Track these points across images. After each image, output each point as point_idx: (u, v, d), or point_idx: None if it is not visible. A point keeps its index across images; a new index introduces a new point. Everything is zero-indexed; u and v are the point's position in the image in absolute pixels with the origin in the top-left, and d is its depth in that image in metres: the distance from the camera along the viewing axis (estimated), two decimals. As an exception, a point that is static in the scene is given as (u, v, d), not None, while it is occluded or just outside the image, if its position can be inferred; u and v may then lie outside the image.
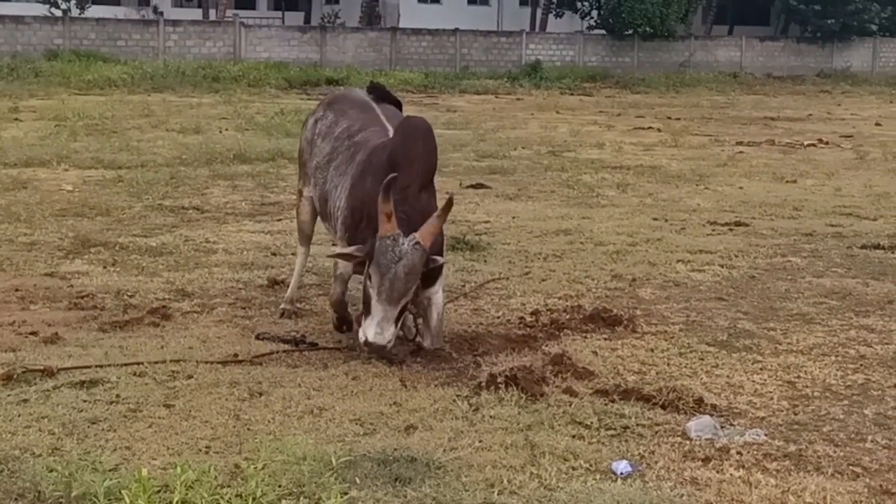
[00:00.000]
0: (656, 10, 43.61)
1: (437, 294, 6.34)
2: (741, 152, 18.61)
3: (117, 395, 5.48)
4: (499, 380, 5.66)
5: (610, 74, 41.80)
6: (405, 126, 6.43)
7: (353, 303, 6.85)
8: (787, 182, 14.81)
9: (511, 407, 5.39)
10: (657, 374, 6.07)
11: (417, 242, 5.84)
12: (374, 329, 5.82)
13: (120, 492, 4.13)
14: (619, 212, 11.93)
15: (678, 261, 9.25)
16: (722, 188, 14.06)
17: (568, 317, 7.17)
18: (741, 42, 47.94)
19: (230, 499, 4.18)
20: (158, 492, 4.23)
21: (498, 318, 7.29)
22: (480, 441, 4.96)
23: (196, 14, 46.80)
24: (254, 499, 4.20)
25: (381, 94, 7.38)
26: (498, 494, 4.44)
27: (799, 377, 6.10)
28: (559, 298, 7.84)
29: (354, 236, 6.29)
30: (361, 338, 5.91)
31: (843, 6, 47.97)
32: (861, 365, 6.37)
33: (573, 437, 5.05)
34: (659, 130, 22.52)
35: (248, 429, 5.08)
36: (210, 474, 4.33)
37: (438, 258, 6.12)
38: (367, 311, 5.92)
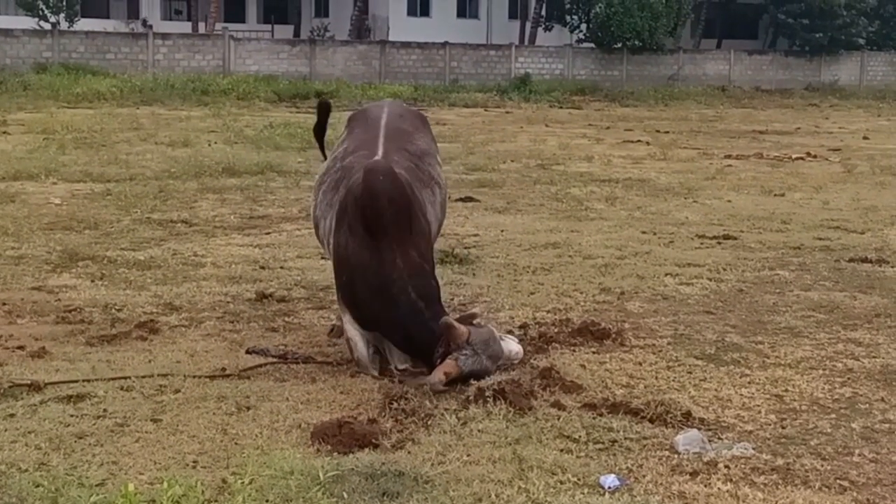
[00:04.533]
0: (645, 23, 43.79)
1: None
2: (729, 165, 18.67)
3: (104, 410, 5.46)
4: (487, 393, 5.65)
5: (599, 88, 41.97)
6: (367, 178, 6.09)
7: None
8: (775, 195, 14.85)
9: (499, 421, 5.38)
10: (645, 387, 6.07)
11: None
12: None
13: (106, 507, 4.12)
14: (608, 225, 11.94)
15: (666, 274, 9.26)
16: (710, 201, 14.09)
17: (556, 330, 7.16)
18: (730, 55, 48.17)
19: (217, 514, 4.17)
20: (145, 507, 4.22)
21: (486, 331, 7.27)
22: (468, 455, 4.95)
23: (185, 27, 46.88)
24: (241, 514, 4.20)
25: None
26: (486, 509, 4.43)
27: (787, 391, 6.10)
28: (547, 312, 7.84)
29: (348, 296, 6.16)
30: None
31: (831, 20, 48.26)
32: (849, 378, 6.38)
33: (561, 451, 5.04)
34: (648, 144, 22.59)
35: (236, 443, 5.06)
36: (197, 489, 4.32)
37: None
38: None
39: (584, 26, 46.46)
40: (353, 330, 6.17)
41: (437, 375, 5.74)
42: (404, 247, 5.96)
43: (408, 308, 5.94)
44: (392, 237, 5.95)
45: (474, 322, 6.08)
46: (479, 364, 5.83)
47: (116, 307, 7.74)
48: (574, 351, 6.76)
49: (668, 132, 25.95)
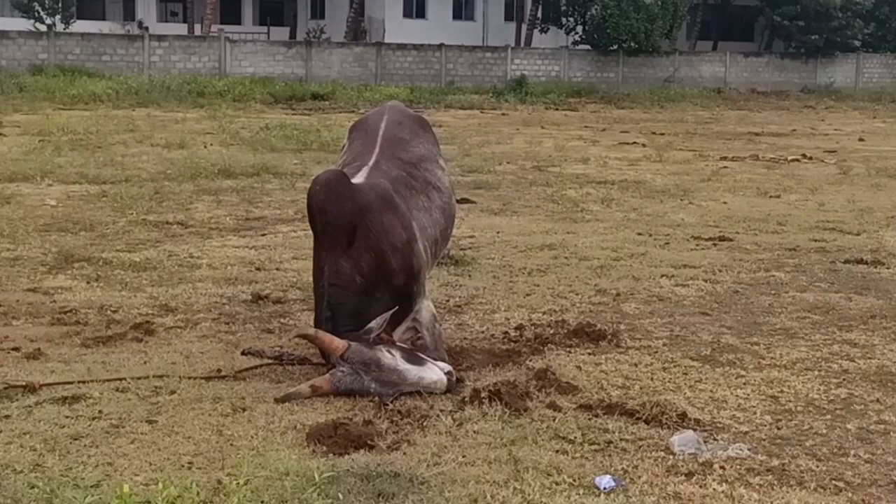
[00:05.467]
0: (641, 25, 43.81)
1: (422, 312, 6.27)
2: (725, 167, 18.68)
3: (100, 411, 5.46)
4: (483, 395, 5.66)
5: (595, 90, 41.96)
6: (309, 189, 6.18)
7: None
8: (770, 197, 14.87)
9: (495, 422, 5.39)
10: (641, 388, 6.07)
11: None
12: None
13: (101, 508, 4.12)
14: (604, 226, 11.95)
15: (662, 275, 9.26)
16: (706, 203, 14.10)
17: (552, 331, 7.17)
18: (725, 57, 48.20)
19: (212, 515, 4.17)
20: (140, 508, 4.22)
21: (482, 332, 7.28)
22: (464, 456, 4.95)
23: (181, 29, 46.88)
24: (236, 515, 4.19)
25: None
26: (481, 510, 4.43)
27: (782, 392, 6.11)
28: (543, 313, 7.84)
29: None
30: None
31: (826, 22, 48.29)
32: (844, 379, 6.39)
33: (557, 451, 5.04)
34: (643, 145, 22.59)
35: (231, 444, 5.06)
36: (192, 490, 4.31)
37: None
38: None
39: (579, 28, 46.46)
40: None
41: (304, 386, 5.73)
42: (336, 257, 5.92)
43: (320, 316, 6.02)
44: (324, 247, 6.00)
45: (369, 341, 5.85)
46: (358, 384, 5.68)
47: (112, 308, 7.73)
48: (570, 352, 6.76)
49: (663, 134, 25.96)
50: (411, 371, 5.79)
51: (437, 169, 7.03)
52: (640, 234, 11.51)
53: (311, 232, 6.81)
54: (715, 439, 5.30)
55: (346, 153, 7.06)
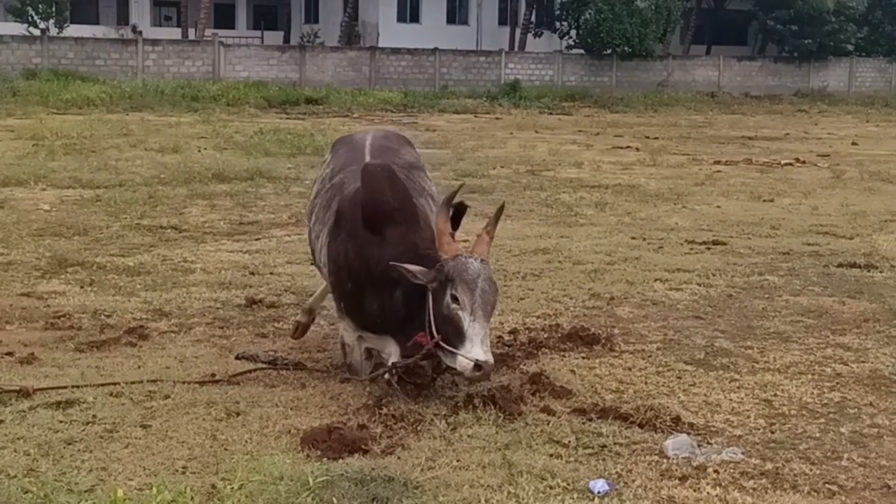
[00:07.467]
0: (635, 29, 43.88)
1: None
2: (719, 171, 18.71)
3: (93, 416, 5.45)
4: (476, 399, 5.65)
5: (588, 94, 42.05)
6: (366, 176, 6.05)
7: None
8: (764, 201, 14.89)
9: (489, 426, 5.39)
10: (635, 392, 6.08)
11: (484, 259, 5.76)
12: (483, 349, 5.37)
13: (95, 513, 4.11)
14: (598, 231, 11.96)
15: (656, 279, 9.27)
16: (700, 207, 14.12)
17: (546, 336, 7.18)
18: (719, 62, 48.27)
19: (207, 519, 4.17)
20: (134, 513, 4.22)
21: (476, 337, 7.26)
22: (458, 460, 4.95)
23: (175, 33, 46.90)
24: (230, 519, 4.19)
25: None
26: (475, 514, 4.44)
27: (776, 395, 6.12)
28: (537, 317, 7.85)
29: (350, 304, 6.00)
30: (468, 363, 5.32)
31: (819, 26, 48.40)
32: (837, 383, 6.40)
33: (551, 456, 5.04)
34: (637, 150, 22.61)
35: (225, 449, 5.06)
36: (186, 495, 4.32)
37: None
38: (457, 335, 5.46)
39: (573, 32, 46.52)
40: (350, 337, 6.14)
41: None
42: (410, 237, 5.82)
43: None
44: (399, 222, 5.85)
45: None
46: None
47: (106, 313, 7.73)
48: (564, 356, 6.77)
49: (657, 138, 25.99)
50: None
51: (427, 179, 7.04)
52: (633, 238, 11.52)
53: (305, 236, 6.80)
54: (709, 443, 5.30)
55: (332, 164, 6.88)
